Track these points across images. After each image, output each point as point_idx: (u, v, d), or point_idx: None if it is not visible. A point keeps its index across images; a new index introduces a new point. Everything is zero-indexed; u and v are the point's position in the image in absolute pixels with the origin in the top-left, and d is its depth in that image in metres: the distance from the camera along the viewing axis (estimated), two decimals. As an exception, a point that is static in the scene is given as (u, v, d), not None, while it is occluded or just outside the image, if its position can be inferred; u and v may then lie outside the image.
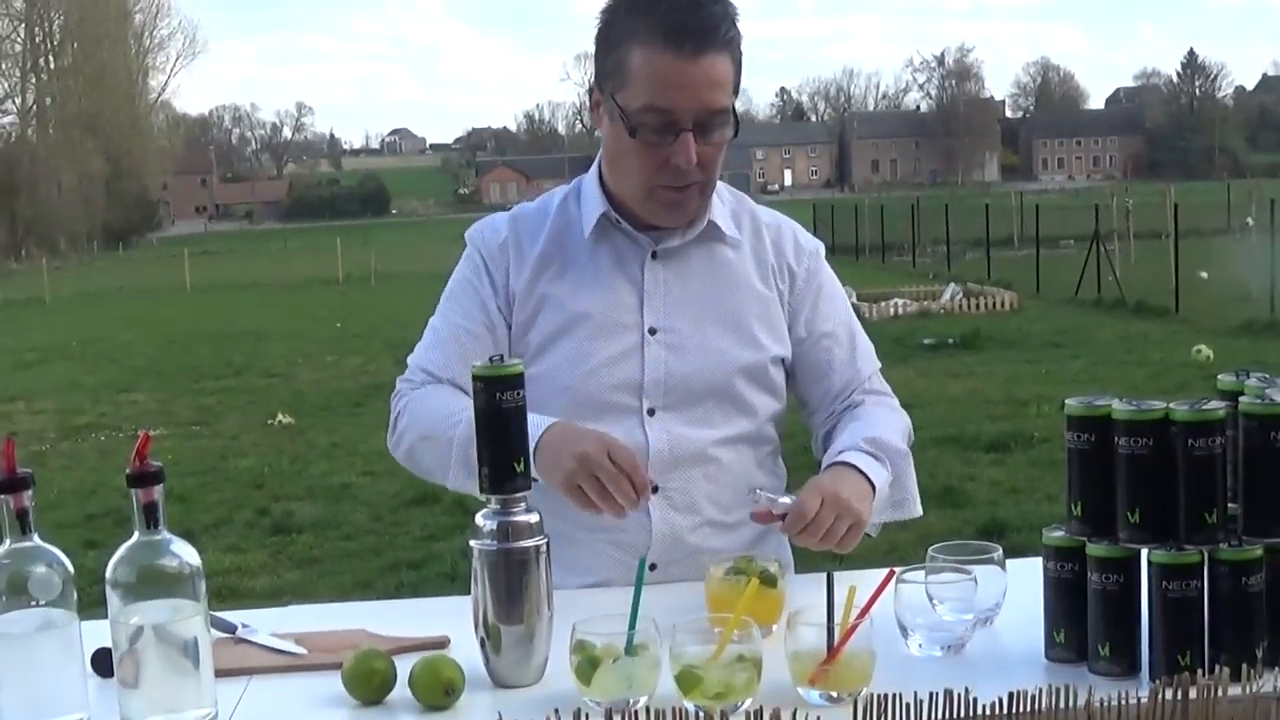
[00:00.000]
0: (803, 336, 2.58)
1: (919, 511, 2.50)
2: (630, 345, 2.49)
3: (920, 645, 2.04)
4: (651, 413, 2.48)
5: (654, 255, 2.53)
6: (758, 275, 2.56)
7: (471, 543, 2.00)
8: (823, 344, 2.58)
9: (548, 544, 2.01)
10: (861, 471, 2.36)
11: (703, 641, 1.86)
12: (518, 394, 1.98)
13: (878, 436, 2.44)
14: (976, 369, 15.02)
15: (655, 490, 2.46)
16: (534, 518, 2.00)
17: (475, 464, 2.32)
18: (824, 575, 1.93)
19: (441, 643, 2.14)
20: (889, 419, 2.53)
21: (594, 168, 2.58)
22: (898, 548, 6.81)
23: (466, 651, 2.01)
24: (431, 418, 2.49)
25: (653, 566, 2.45)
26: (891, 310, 21.00)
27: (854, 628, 1.87)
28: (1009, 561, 2.20)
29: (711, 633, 1.88)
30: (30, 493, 1.83)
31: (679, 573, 2.43)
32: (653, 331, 2.50)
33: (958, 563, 2.12)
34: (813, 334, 2.58)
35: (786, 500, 2.28)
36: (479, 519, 1.99)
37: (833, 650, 1.85)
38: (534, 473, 2.20)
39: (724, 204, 2.59)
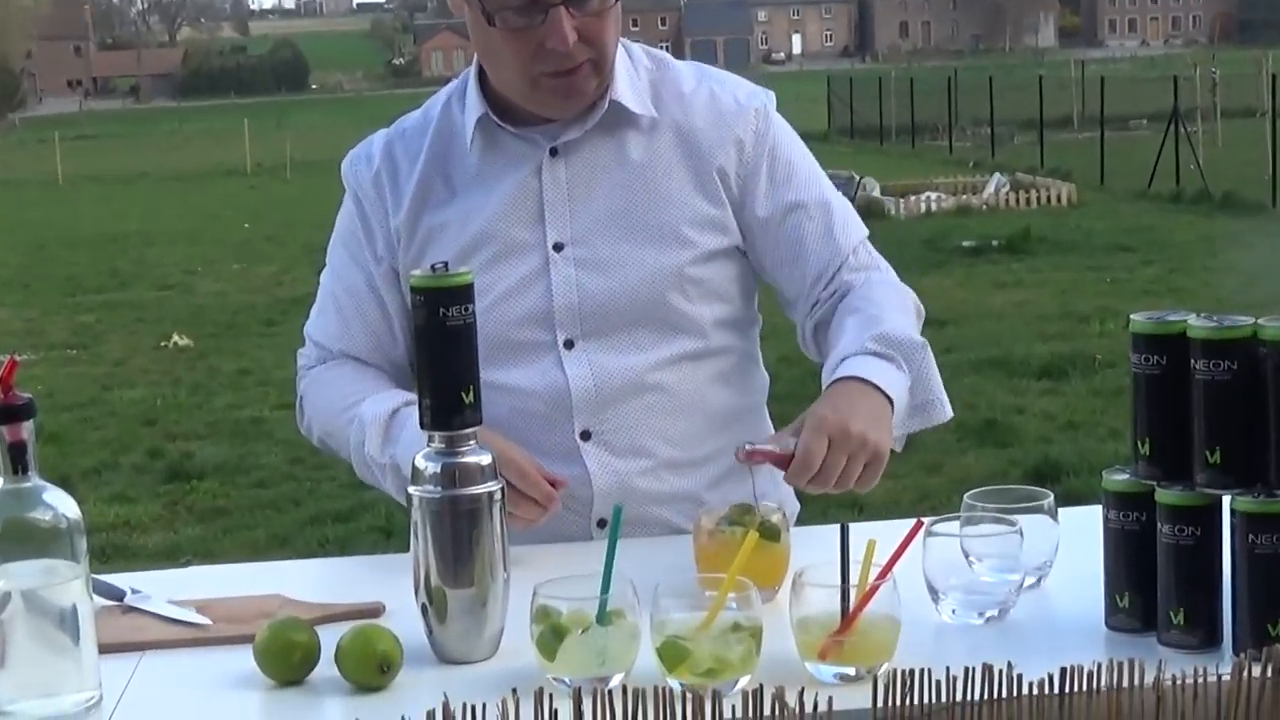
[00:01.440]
0: (763, 215, 2.53)
1: (948, 413, 2.49)
2: (533, 268, 2.49)
3: (954, 611, 2.05)
4: (569, 345, 2.49)
5: (553, 153, 2.50)
6: (684, 157, 2.52)
7: (411, 489, 2.01)
8: (790, 220, 2.53)
9: (503, 490, 2.03)
10: (875, 385, 2.33)
11: (690, 607, 1.87)
12: (466, 309, 2.00)
13: (885, 331, 2.40)
14: (1026, 277, 15.05)
15: (587, 437, 2.48)
16: (485, 458, 2.01)
17: (378, 472, 2.46)
18: (837, 527, 1.92)
19: (375, 610, 2.15)
20: (892, 300, 2.50)
21: (475, 60, 2.56)
22: (929, 494, 6.81)
23: (405, 620, 2.02)
24: (327, 412, 2.58)
25: (601, 524, 2.48)
26: (923, 206, 20.97)
27: (874, 590, 1.87)
28: (1062, 510, 2.19)
29: (701, 596, 1.89)
30: None
31: (641, 529, 2.43)
32: (558, 248, 2.49)
33: (1000, 511, 2.11)
34: (776, 209, 2.53)
35: (790, 441, 2.25)
36: (419, 461, 2.01)
37: (848, 617, 1.86)
38: None
39: (638, 74, 2.56)
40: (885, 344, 2.38)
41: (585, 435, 2.48)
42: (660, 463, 2.50)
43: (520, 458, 2.33)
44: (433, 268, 2.01)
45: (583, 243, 2.48)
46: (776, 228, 2.53)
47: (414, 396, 2.20)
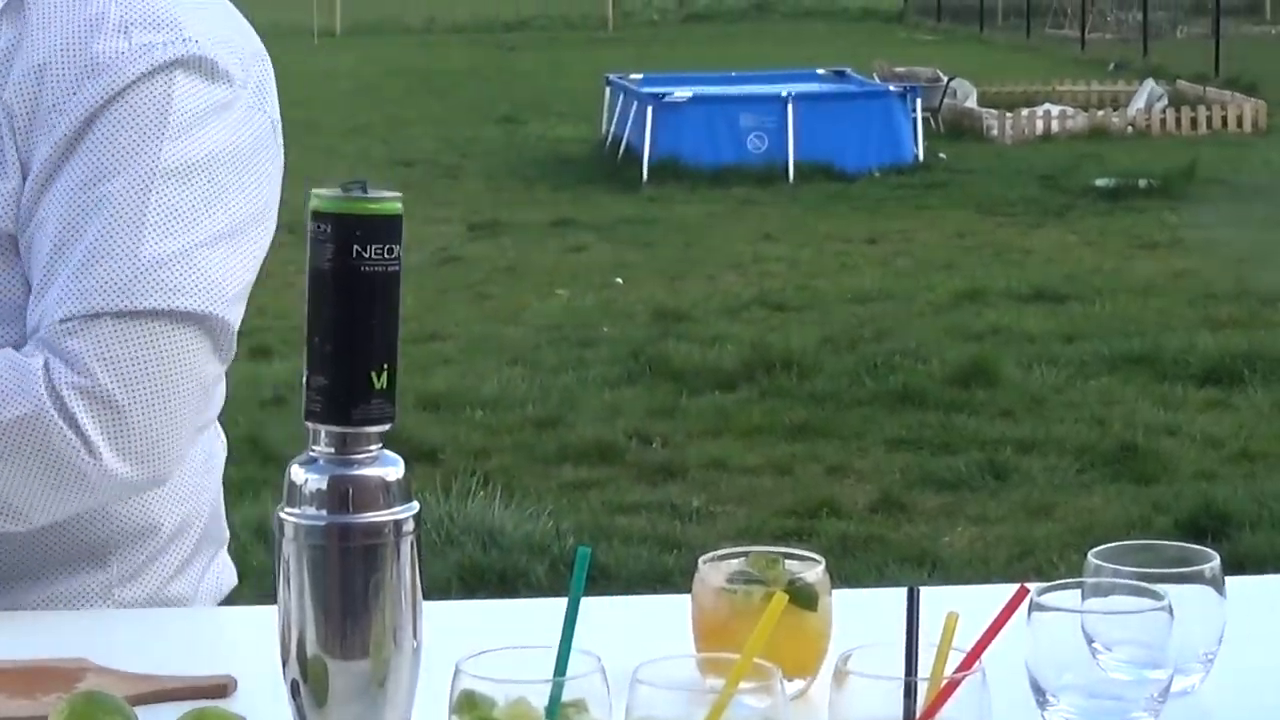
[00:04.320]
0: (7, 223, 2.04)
1: None
2: None
3: (1070, 721, 1.78)
4: None
5: None
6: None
7: (282, 514, 1.68)
8: (37, 210, 2.02)
9: (417, 518, 1.69)
10: None
11: (686, 702, 1.61)
12: (390, 251, 1.67)
13: None
14: (1187, 235, 13.26)
15: None
16: (395, 471, 1.69)
17: None
18: (904, 591, 1.65)
19: (220, 687, 1.91)
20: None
21: None
22: (1033, 548, 6.21)
23: (265, 703, 1.76)
24: None
25: None
26: (1039, 125, 18.74)
27: (952, 686, 1.60)
28: (1232, 580, 1.91)
29: (700, 685, 1.67)
30: None
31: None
32: None
33: (1140, 578, 1.83)
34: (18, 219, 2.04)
35: None
36: (296, 470, 1.68)
37: (916, 725, 1.60)
38: None
39: None
40: None
41: None
42: None
43: None
44: (344, 187, 1.68)
45: None
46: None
47: None
